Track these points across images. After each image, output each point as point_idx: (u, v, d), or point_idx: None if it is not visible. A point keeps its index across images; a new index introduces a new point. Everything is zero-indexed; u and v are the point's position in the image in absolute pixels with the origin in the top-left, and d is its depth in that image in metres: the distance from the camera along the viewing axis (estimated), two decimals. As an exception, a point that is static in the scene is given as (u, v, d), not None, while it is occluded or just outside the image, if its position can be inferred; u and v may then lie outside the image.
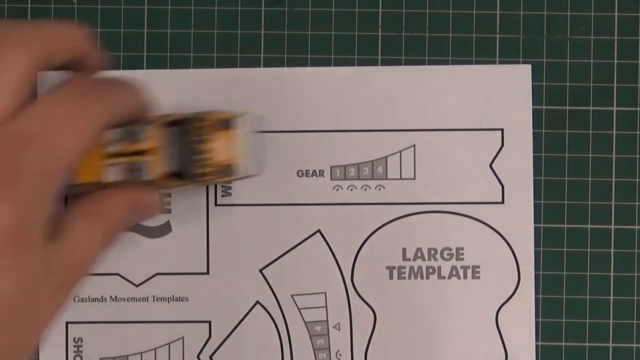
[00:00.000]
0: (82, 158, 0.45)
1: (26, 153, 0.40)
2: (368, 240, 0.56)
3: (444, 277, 0.56)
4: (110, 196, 0.47)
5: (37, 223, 0.41)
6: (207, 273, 0.56)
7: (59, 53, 0.43)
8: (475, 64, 0.56)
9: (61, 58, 0.44)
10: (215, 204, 0.56)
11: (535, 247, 0.56)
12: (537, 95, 0.56)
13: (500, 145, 0.56)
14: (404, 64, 0.56)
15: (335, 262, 0.56)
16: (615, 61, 0.56)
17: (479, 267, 0.56)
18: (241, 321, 0.56)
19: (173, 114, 0.51)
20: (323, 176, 0.56)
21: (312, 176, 0.56)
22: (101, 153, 0.48)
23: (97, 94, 0.44)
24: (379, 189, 0.56)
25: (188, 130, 0.50)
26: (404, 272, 0.56)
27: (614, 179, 0.56)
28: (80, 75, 0.46)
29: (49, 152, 0.41)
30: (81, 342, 0.56)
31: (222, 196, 0.56)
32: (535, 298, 0.56)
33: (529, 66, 0.56)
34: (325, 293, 0.56)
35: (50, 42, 0.43)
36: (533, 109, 0.56)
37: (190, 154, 0.50)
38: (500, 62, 0.56)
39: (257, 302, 0.56)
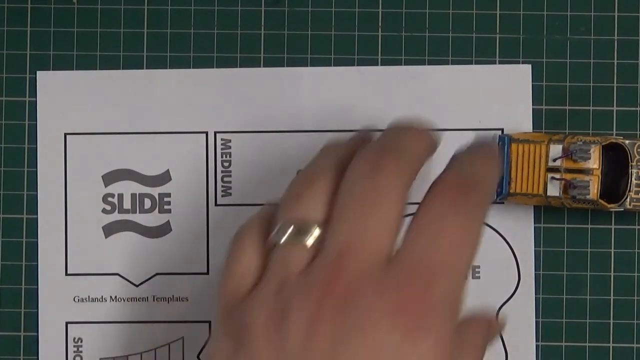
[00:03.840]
0: (526, 169, 0.50)
1: (435, 285, 0.38)
2: (368, 240, 0.56)
3: (444, 277, 0.56)
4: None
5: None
6: (207, 273, 0.56)
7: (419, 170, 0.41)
8: (475, 64, 0.56)
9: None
10: (215, 204, 0.56)
11: (535, 247, 0.56)
12: (537, 95, 0.56)
13: (500, 145, 0.56)
14: (404, 64, 0.56)
15: (335, 262, 0.56)
16: (615, 61, 0.56)
17: (479, 267, 0.56)
18: (241, 321, 0.56)
19: (611, 137, 0.52)
20: (323, 176, 0.56)
21: (312, 176, 0.56)
22: (544, 166, 0.51)
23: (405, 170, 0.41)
24: (379, 189, 0.56)
25: (628, 156, 0.52)
26: (404, 272, 0.56)
27: (614, 179, 0.56)
28: (366, 154, 0.41)
29: (455, 280, 0.39)
30: (81, 342, 0.56)
31: (222, 196, 0.56)
32: (535, 298, 0.56)
33: (529, 66, 0.56)
34: (325, 293, 0.56)
35: (418, 165, 0.41)
36: (533, 109, 0.56)
37: (626, 179, 0.52)
38: (500, 62, 0.56)
39: (257, 302, 0.56)
